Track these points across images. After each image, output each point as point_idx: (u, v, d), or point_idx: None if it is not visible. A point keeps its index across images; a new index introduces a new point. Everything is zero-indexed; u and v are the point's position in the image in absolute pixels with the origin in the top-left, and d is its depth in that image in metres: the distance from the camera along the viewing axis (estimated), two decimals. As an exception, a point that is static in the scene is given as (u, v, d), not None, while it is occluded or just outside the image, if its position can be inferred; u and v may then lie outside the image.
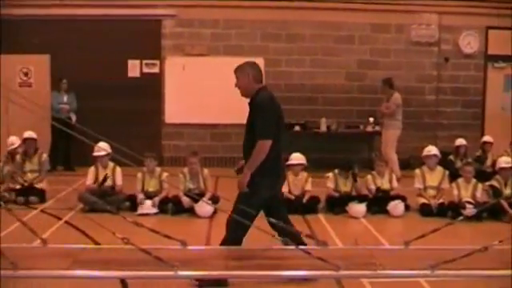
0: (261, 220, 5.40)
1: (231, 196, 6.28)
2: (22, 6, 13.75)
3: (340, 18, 13.90)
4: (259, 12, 13.67)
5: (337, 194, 9.57)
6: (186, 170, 9.43)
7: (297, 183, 9.51)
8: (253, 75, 6.09)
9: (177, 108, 13.74)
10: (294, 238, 5.11)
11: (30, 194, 9.80)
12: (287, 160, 9.11)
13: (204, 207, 8.86)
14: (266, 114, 5.83)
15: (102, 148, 8.65)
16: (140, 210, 9.00)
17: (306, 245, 5.13)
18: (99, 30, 13.67)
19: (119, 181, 9.52)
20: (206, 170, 9.46)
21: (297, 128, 13.49)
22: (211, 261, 4.84)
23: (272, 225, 5.44)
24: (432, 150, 9.94)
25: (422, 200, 9.52)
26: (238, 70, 6.19)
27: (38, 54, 13.78)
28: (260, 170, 5.75)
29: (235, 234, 5.80)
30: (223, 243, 5.79)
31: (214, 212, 8.87)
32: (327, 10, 13.76)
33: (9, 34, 13.72)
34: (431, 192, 9.62)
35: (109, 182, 9.45)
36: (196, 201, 8.84)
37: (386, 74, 13.11)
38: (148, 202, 9.11)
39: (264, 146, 5.70)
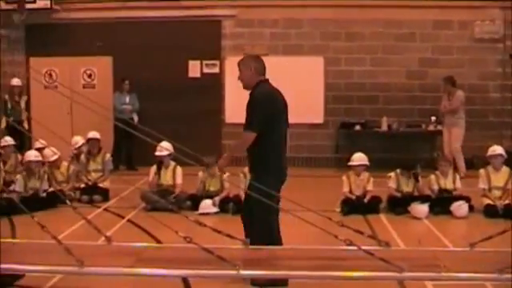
0: (323, 220, 5.35)
1: (291, 196, 6.25)
2: (85, 9, 14.11)
3: (401, 15, 13.68)
4: (319, 11, 13.61)
5: (399, 194, 9.43)
6: (246, 169, 9.42)
7: (358, 183, 9.41)
8: (255, 68, 6.10)
9: (237, 108, 13.60)
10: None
11: (94, 193, 10.02)
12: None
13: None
14: (258, 107, 5.84)
15: (165, 148, 8.76)
16: (201, 210, 9.07)
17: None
18: (160, 31, 13.88)
19: (179, 180, 9.60)
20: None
21: (357, 127, 13.39)
22: (273, 261, 4.85)
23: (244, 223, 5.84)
24: (497, 149, 9.68)
25: (487, 201, 9.26)
26: (241, 63, 6.16)
27: (101, 56, 14.09)
28: (261, 169, 5.86)
29: (268, 223, 5.97)
30: (255, 237, 5.74)
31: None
32: (388, 8, 13.58)
33: (72, 37, 14.09)
34: (496, 193, 9.35)
35: (169, 182, 9.56)
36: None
37: (447, 72, 12.83)
38: (209, 202, 9.17)
39: (247, 138, 5.78)
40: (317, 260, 4.73)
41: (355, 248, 4.62)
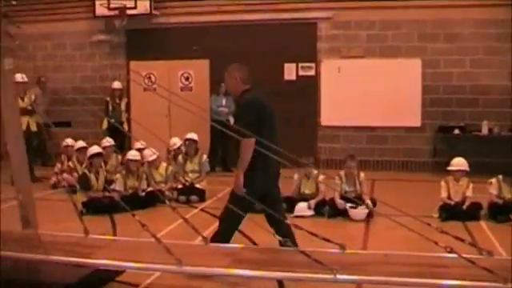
0: (420, 226, 5.20)
1: (388, 199, 6.15)
2: (183, 14, 14.40)
3: (502, 14, 13.13)
4: (416, 12, 13.28)
5: (500, 201, 9.03)
6: (342, 172, 9.37)
7: (457, 189, 9.10)
8: (240, 77, 6.35)
9: (333, 110, 13.71)
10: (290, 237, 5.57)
11: (191, 194, 10.20)
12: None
13: (356, 210, 8.78)
14: (247, 115, 6.05)
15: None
16: (296, 212, 9.05)
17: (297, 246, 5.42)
18: (256, 34, 13.98)
19: (275, 182, 9.61)
20: (362, 174, 9.33)
21: (456, 131, 13.01)
22: (370, 266, 4.77)
23: (270, 223, 5.84)
24: None
25: None
26: (227, 73, 6.44)
27: (198, 60, 14.34)
28: (248, 168, 5.92)
29: (226, 230, 6.07)
30: (214, 238, 5.94)
31: (370, 215, 8.75)
32: (488, 7, 13.06)
33: (170, 41, 14.43)
34: None
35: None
36: (351, 204, 8.77)
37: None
38: (304, 204, 9.14)
39: (247, 145, 5.88)
40: (416, 266, 4.63)
41: (456, 256, 4.48)
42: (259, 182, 6.08)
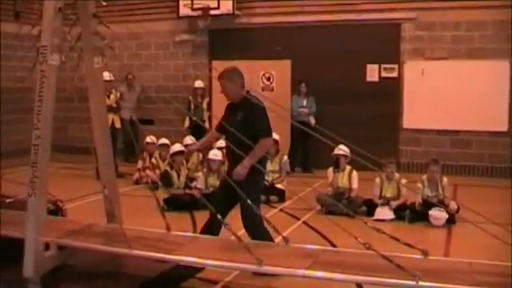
0: (506, 234, 5.04)
1: (471, 206, 5.99)
2: (265, 14, 14.47)
3: None
4: (504, 12, 12.83)
5: None
6: (424, 176, 9.18)
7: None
8: (240, 83, 6.39)
9: (415, 113, 13.45)
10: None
11: (271, 193, 10.23)
12: None
13: (437, 213, 8.59)
14: (266, 116, 6.23)
15: (342, 148, 8.77)
16: (376, 216, 8.94)
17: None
18: (338, 35, 13.88)
19: (355, 184, 9.53)
20: (445, 179, 9.11)
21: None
22: (454, 274, 4.66)
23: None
24: None
25: None
26: (226, 79, 6.42)
27: (280, 60, 14.37)
28: (256, 167, 6.01)
29: (259, 227, 6.10)
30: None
31: (451, 221, 8.55)
32: None
33: (252, 41, 14.52)
34: None
35: (346, 185, 9.52)
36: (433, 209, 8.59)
37: None
38: (385, 208, 9.01)
39: (267, 143, 6.30)
40: (502, 277, 4.48)
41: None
42: (259, 177, 6.36)
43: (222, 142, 10.87)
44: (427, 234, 8.34)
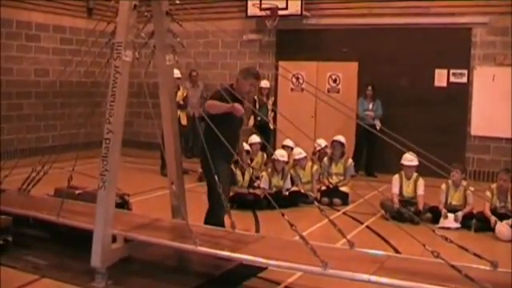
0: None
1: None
2: (333, 15, 14.39)
3: None
4: None
5: None
6: (493, 186, 8.95)
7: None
8: None
9: (484, 120, 13.12)
10: None
11: (334, 196, 10.18)
12: None
13: (504, 229, 8.35)
14: None
15: (411, 158, 8.65)
16: (441, 224, 8.77)
17: None
18: (407, 38, 13.68)
19: (421, 191, 9.34)
20: (516, 189, 8.88)
21: None
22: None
23: None
24: None
25: None
26: (248, 79, 6.85)
27: (347, 62, 14.27)
28: None
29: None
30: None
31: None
32: None
33: (319, 42, 14.48)
34: None
35: (411, 193, 9.37)
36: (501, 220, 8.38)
37: None
38: (451, 216, 8.83)
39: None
40: None
41: None
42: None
43: (291, 141, 10.97)
44: (494, 244, 8.12)
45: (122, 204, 7.65)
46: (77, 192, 7.62)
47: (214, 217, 6.65)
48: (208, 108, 6.45)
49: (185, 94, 13.34)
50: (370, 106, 13.33)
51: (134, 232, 6.16)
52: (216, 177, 6.04)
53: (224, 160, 6.62)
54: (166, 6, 6.52)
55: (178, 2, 6.65)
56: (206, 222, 6.65)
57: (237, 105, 6.36)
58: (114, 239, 6.04)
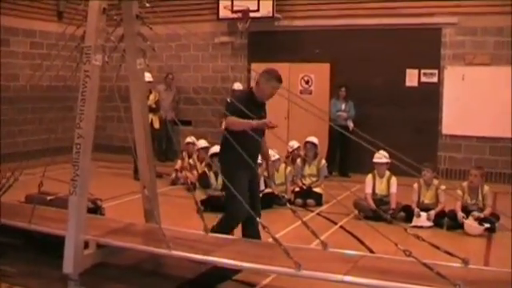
0: None
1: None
2: (305, 17, 14.43)
3: None
4: (549, 18, 12.60)
5: None
6: (465, 184, 9.05)
7: None
8: None
9: (455, 119, 13.27)
10: None
11: (308, 197, 10.21)
12: None
13: (472, 224, 8.48)
14: None
15: (383, 155, 8.70)
16: (414, 222, 8.84)
17: None
18: (377, 39, 13.76)
19: (394, 190, 9.41)
20: (486, 187, 8.95)
21: None
22: (495, 284, 4.60)
23: None
24: None
25: None
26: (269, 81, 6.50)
27: (319, 63, 14.33)
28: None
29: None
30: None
31: (490, 231, 8.42)
32: None
33: (291, 43, 14.50)
34: None
35: (384, 191, 9.43)
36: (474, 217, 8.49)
37: None
38: (424, 215, 8.91)
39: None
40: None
41: None
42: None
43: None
44: (466, 242, 8.21)
45: (95, 209, 7.60)
46: (48, 198, 7.54)
47: (225, 227, 6.53)
48: (231, 126, 6.21)
49: (157, 98, 13.28)
50: (343, 107, 13.39)
51: (107, 237, 6.12)
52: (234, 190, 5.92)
53: (246, 171, 6.38)
54: (136, 10, 6.47)
55: (148, 5, 6.60)
56: (215, 230, 6.44)
57: (267, 120, 6.19)
58: (87, 245, 5.99)
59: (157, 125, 12.82)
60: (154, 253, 5.97)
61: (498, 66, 12.95)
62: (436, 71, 13.51)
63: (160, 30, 6.83)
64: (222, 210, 9.22)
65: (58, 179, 7.98)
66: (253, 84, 7.14)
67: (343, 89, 13.44)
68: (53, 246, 6.18)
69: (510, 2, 12.61)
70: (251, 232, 6.47)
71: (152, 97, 12.60)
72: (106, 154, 14.81)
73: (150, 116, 11.82)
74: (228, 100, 6.48)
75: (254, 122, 6.07)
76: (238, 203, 5.93)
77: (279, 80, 6.44)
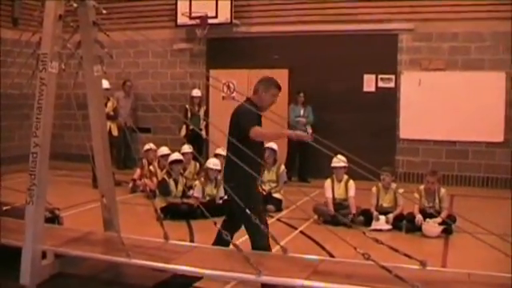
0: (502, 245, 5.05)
1: (468, 216, 5.99)
2: (263, 23, 14.50)
3: None
4: (501, 23, 12.87)
5: None
6: (421, 187, 9.19)
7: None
8: None
9: (412, 123, 13.48)
10: None
11: (268, 203, 10.22)
12: None
13: (431, 226, 8.61)
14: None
15: (341, 159, 8.77)
16: (374, 226, 8.93)
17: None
18: (336, 45, 13.92)
19: (352, 193, 9.48)
20: (443, 190, 9.09)
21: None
22: (453, 285, 4.67)
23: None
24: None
25: None
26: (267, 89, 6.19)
27: (278, 69, 14.35)
28: None
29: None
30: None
31: (448, 232, 8.55)
32: None
33: (250, 50, 14.53)
34: None
35: (342, 195, 9.51)
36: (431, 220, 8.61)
37: None
38: (382, 218, 9.01)
39: None
40: None
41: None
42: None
43: (223, 150, 10.85)
44: (424, 244, 8.33)
45: (53, 219, 7.47)
46: (4, 208, 7.40)
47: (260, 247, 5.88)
48: (261, 137, 5.89)
49: (115, 105, 13.17)
50: (302, 112, 13.47)
51: (65, 247, 6.04)
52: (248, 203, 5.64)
53: (255, 183, 6.15)
54: (93, 16, 6.41)
55: (105, 11, 6.54)
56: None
57: (300, 133, 5.94)
58: (44, 255, 5.90)
59: (115, 132, 12.72)
60: (114, 262, 5.91)
61: (453, 70, 13.21)
62: (393, 76, 13.71)
63: (118, 36, 6.79)
64: (183, 218, 9.34)
65: (14, 189, 7.85)
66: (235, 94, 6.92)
67: (301, 94, 13.53)
68: (10, 257, 6.07)
69: (464, 9, 12.89)
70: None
71: (110, 104, 12.48)
72: (65, 162, 14.60)
73: (109, 123, 11.77)
74: (241, 110, 6.00)
75: (291, 132, 5.85)
76: (262, 231, 5.64)
77: (278, 87, 6.24)
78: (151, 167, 11.76)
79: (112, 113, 12.58)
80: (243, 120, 5.83)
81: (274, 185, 10.57)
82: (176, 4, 14.83)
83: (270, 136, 6.01)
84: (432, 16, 13.31)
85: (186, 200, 9.86)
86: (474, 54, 13.18)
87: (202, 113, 14.18)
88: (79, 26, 6.39)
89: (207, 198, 9.92)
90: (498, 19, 12.80)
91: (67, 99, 13.36)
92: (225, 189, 5.92)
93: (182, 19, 14.78)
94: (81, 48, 6.47)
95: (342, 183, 9.55)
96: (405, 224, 8.94)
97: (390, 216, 9.02)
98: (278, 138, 5.73)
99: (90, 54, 6.42)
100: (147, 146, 12.14)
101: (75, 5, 6.16)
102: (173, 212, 9.45)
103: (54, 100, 5.95)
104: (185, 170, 11.29)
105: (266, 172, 10.68)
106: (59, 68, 5.95)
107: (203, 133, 13.33)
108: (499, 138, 13.00)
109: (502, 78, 12.92)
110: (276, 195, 10.39)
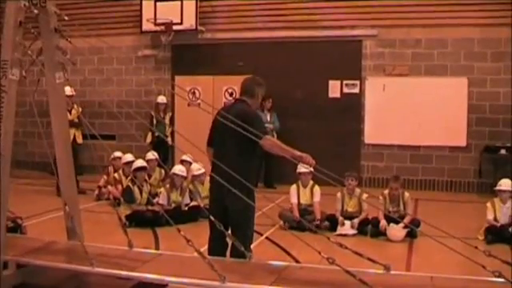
0: (465, 248, 5.11)
1: (432, 220, 6.04)
2: (228, 30, 14.52)
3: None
4: (463, 30, 13.10)
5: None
6: (386, 192, 9.27)
7: (505, 211, 8.88)
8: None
9: (377, 128, 13.62)
10: None
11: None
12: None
13: (395, 231, 8.68)
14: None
15: (305, 166, 8.78)
16: (339, 231, 8.98)
17: None
18: (300, 50, 14.01)
19: (317, 198, 9.50)
20: (407, 194, 9.20)
21: (502, 151, 12.74)
22: (417, 288, 4.71)
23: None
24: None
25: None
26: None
27: (243, 75, 14.30)
28: None
29: None
30: None
31: (413, 236, 8.64)
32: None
33: (215, 56, 14.54)
34: None
35: (308, 201, 9.53)
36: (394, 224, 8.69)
37: None
38: (348, 223, 9.06)
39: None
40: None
41: (503, 280, 4.40)
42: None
43: (190, 157, 10.81)
44: (389, 248, 8.40)
45: (15, 228, 7.38)
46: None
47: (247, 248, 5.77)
48: (272, 149, 5.69)
49: (79, 112, 13.01)
50: (268, 118, 13.48)
51: (27, 257, 5.94)
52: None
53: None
54: (55, 23, 6.33)
55: (66, 18, 6.47)
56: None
57: (309, 159, 5.63)
58: (6, 265, 5.80)
59: (80, 139, 12.57)
60: (77, 271, 5.83)
61: (417, 76, 13.37)
62: (358, 82, 13.84)
63: (81, 43, 6.73)
64: (148, 225, 9.27)
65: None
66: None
67: (270, 100, 13.50)
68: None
69: (426, 15, 13.09)
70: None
71: (74, 111, 12.33)
72: (28, 170, 14.42)
73: (73, 131, 11.64)
74: (249, 113, 5.88)
75: (302, 155, 5.59)
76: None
77: (263, 85, 6.36)
78: (115, 175, 11.65)
79: (76, 120, 12.42)
80: (257, 125, 5.68)
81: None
82: (141, 10, 14.75)
83: (280, 151, 5.63)
84: (395, 22, 13.48)
85: (150, 207, 9.80)
86: (437, 60, 13.39)
87: (167, 119, 14.11)
88: (40, 33, 6.31)
89: (172, 205, 9.87)
90: (459, 26, 13.04)
91: (30, 107, 13.19)
92: (225, 194, 5.68)
93: (146, 25, 14.71)
94: (42, 55, 6.38)
95: (308, 189, 9.58)
96: (370, 228, 9.01)
97: (355, 221, 9.10)
98: (285, 155, 5.52)
99: (51, 61, 6.32)
100: (115, 154, 12.03)
101: (36, 11, 6.07)
102: (138, 219, 9.38)
103: (15, 107, 5.88)
104: (150, 177, 11.22)
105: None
106: (20, 75, 5.87)
107: (169, 139, 13.25)
108: (462, 142, 13.20)
109: (464, 84, 13.13)
110: (241, 201, 10.35)
